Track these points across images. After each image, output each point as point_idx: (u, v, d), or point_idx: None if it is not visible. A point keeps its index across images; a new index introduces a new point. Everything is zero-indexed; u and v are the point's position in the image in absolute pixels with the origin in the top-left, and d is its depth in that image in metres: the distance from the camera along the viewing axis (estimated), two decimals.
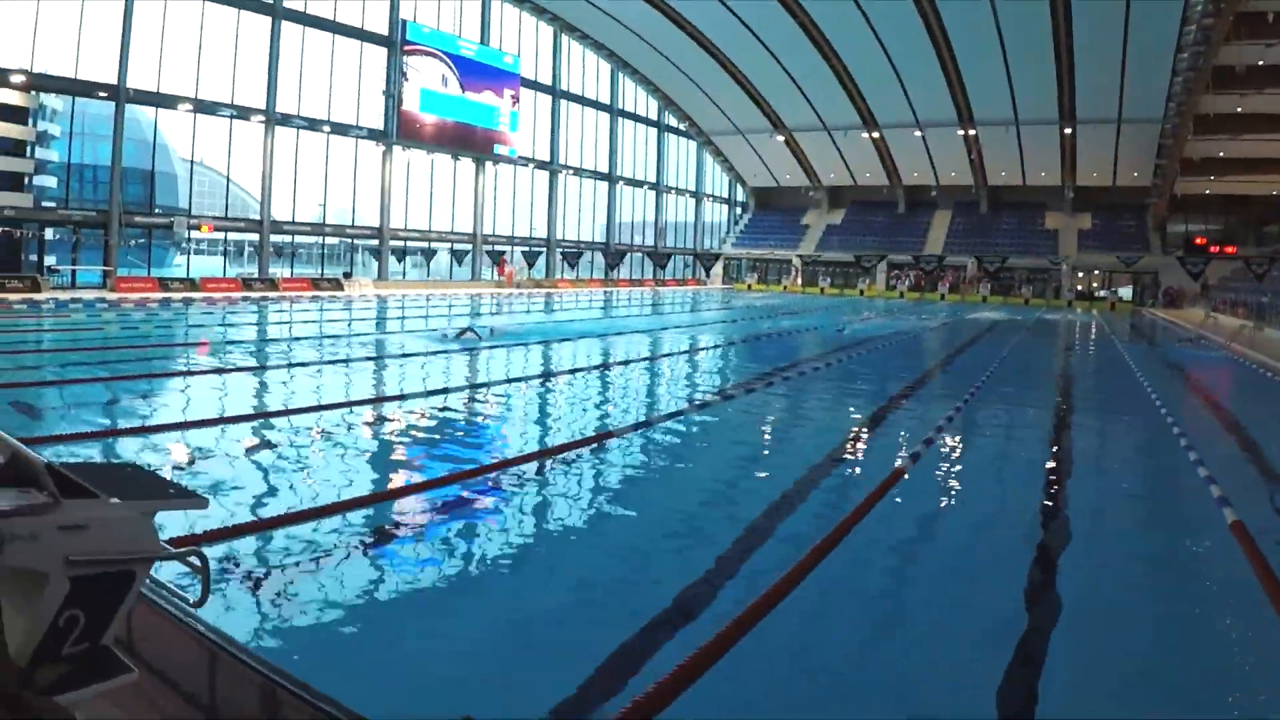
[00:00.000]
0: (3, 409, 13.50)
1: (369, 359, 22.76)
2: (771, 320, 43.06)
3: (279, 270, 52.40)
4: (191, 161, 49.81)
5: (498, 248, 66.41)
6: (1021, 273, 77.10)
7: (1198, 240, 69.92)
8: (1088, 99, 65.85)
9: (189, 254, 51.03)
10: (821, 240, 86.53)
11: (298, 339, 27.87)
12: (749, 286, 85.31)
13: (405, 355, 23.60)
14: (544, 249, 71.23)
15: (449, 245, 62.97)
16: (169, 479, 3.56)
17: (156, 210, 48.71)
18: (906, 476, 11.36)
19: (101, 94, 44.09)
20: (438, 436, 13.57)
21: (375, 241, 57.90)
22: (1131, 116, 65.15)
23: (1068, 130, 70.81)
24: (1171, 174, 63.51)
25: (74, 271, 45.24)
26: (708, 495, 10.66)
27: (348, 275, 54.39)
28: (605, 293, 67.06)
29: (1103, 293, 74.65)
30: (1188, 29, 46.99)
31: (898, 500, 10.36)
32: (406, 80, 56.96)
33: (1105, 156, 72.34)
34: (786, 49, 67.72)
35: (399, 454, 12.38)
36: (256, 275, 50.43)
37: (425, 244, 61.69)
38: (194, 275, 47.68)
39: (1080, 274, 75.98)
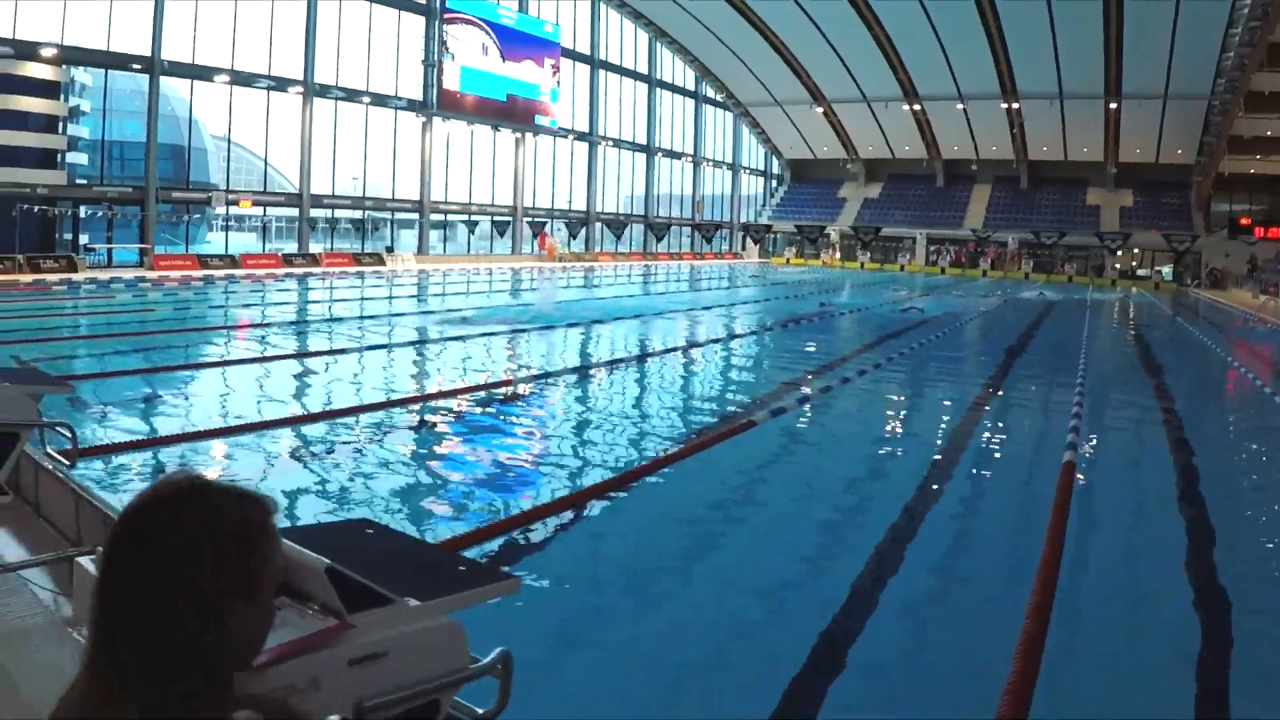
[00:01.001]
0: (60, 405, 11.34)
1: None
2: (828, 296, 40.87)
3: (316, 246, 50.26)
4: (229, 139, 47.68)
5: (538, 220, 64.30)
6: (1061, 250, 74.60)
7: (1242, 220, 66.86)
8: (1134, 73, 63.03)
9: (220, 230, 49.23)
10: (859, 214, 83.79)
11: (367, 318, 25.88)
12: (787, 260, 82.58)
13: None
14: (584, 221, 69.10)
15: (489, 218, 60.86)
16: (455, 553, 3.77)
17: (191, 186, 46.67)
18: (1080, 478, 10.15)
19: (135, 66, 42.00)
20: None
21: (415, 215, 55.66)
22: (1178, 92, 62.34)
23: (1113, 105, 67.96)
24: (1219, 152, 60.89)
25: (110, 250, 43.22)
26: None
27: (390, 250, 52.23)
28: (646, 267, 64.94)
29: (1142, 272, 72.41)
30: (1242, 3, 44.34)
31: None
32: (447, 49, 54.64)
33: (1149, 133, 69.51)
34: (828, 17, 64.92)
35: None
36: (296, 251, 48.30)
37: (466, 216, 59.55)
38: (232, 252, 45.70)
39: (1120, 253, 73.12)
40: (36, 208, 38.72)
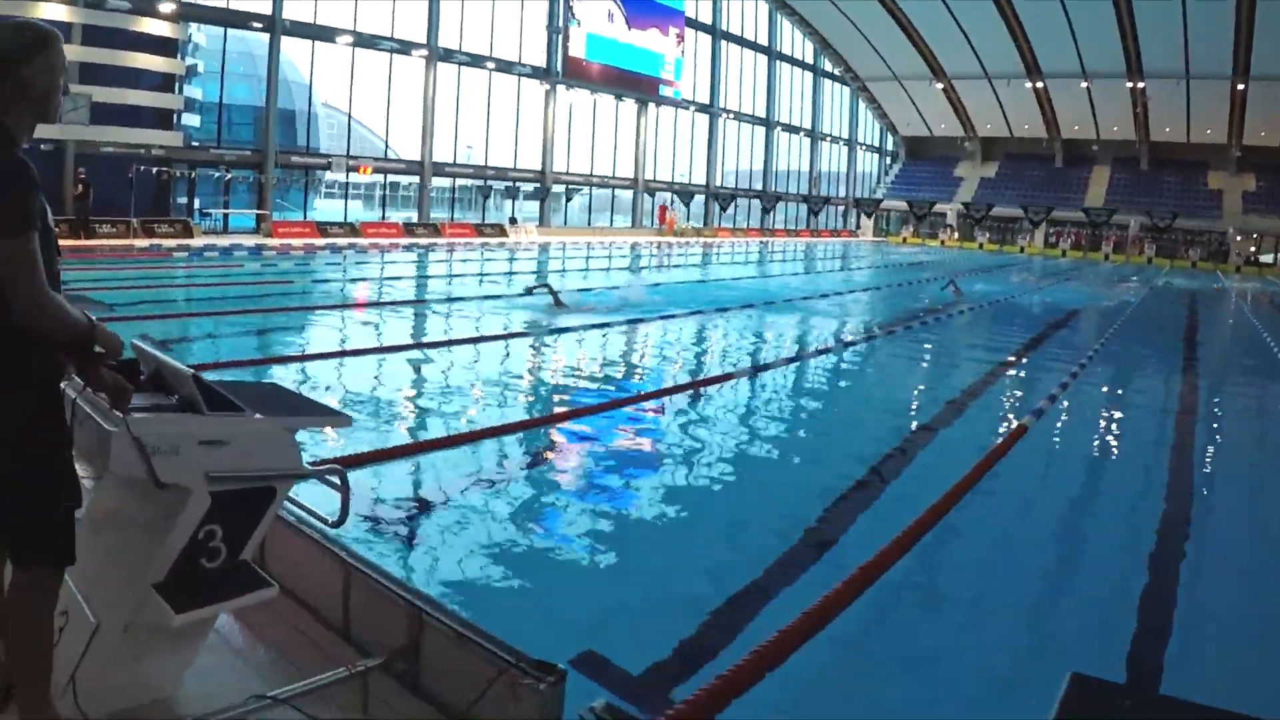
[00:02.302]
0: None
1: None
2: (986, 283, 36.85)
3: (436, 214, 47.49)
4: (350, 106, 44.73)
5: (658, 193, 61.34)
6: (1181, 235, 70.74)
7: None
8: (1264, 52, 58.85)
9: (325, 198, 47.32)
10: (977, 192, 79.65)
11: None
12: (904, 240, 78.63)
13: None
14: (704, 194, 65.99)
15: (610, 190, 57.90)
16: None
17: (311, 151, 43.92)
18: None
19: (256, 25, 39.37)
20: None
21: (536, 185, 52.49)
22: None
23: (1240, 86, 63.73)
24: None
25: (226, 216, 40.60)
26: None
27: (514, 221, 49.12)
28: (761, 244, 61.45)
29: (1266, 258, 68.47)
30: None
31: None
32: (573, 15, 51.69)
33: (1275, 115, 65.02)
34: None
35: None
36: (417, 220, 45.44)
37: (587, 188, 56.64)
38: (351, 220, 43.03)
39: (1239, 238, 69.14)
40: (153, 169, 36.17)
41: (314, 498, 4.22)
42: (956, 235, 77.69)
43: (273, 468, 3.16)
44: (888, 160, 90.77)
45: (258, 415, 3.12)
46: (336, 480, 3.28)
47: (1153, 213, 68.99)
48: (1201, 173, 73.41)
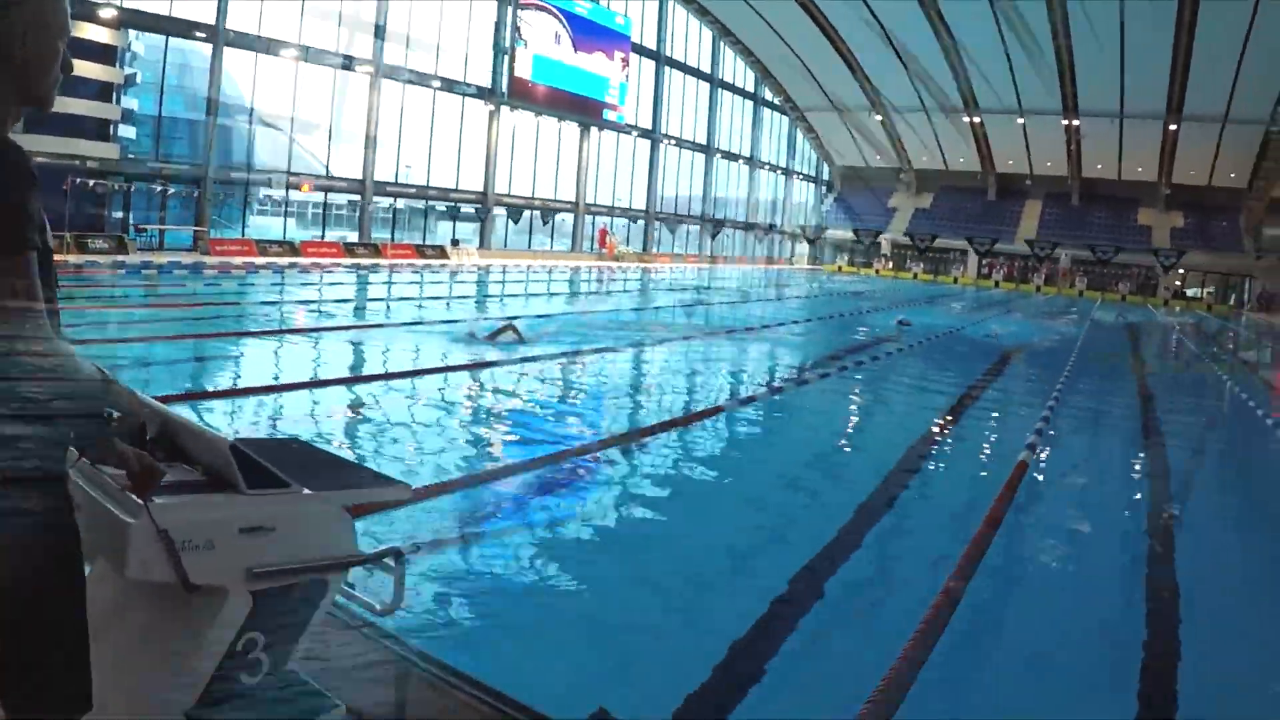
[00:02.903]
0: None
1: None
2: (925, 316, 36.74)
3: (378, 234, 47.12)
4: (291, 122, 44.22)
5: (598, 216, 61.47)
6: (1113, 268, 73.04)
7: None
8: (1197, 95, 61.22)
9: (258, 215, 46.19)
10: (911, 223, 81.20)
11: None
12: (839, 269, 79.59)
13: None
14: (643, 219, 66.22)
15: (552, 212, 57.81)
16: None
17: (255, 169, 43.35)
18: None
19: (199, 34, 38.71)
20: None
21: (478, 206, 52.22)
22: (1238, 116, 60.81)
23: (1172, 126, 66.19)
24: (1274, 176, 59.33)
25: (162, 232, 39.80)
26: None
27: (455, 243, 48.86)
28: (702, 270, 61.23)
29: (1191, 292, 71.84)
30: None
31: None
32: (520, 36, 51.63)
33: (1205, 155, 67.82)
34: (898, 21, 62.44)
35: None
36: (358, 240, 44.97)
37: (528, 210, 56.21)
38: (289, 238, 42.48)
39: (1166, 273, 71.51)
40: (89, 182, 35.34)
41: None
42: (891, 265, 78.59)
43: (326, 555, 2.68)
44: (823, 189, 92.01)
45: (307, 490, 2.62)
46: (391, 563, 2.87)
47: (1095, 247, 70.48)
48: (1132, 209, 75.75)
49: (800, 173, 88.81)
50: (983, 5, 57.31)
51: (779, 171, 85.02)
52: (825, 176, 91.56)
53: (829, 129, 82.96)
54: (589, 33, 56.34)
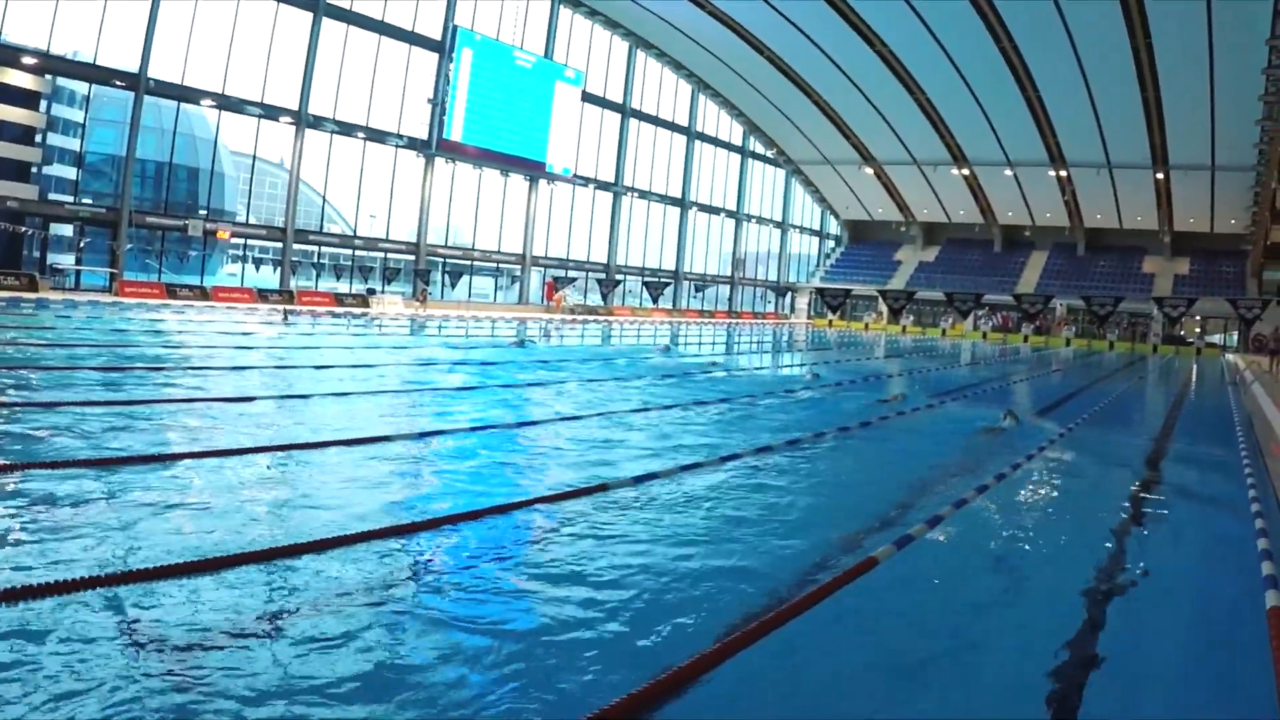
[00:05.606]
0: None
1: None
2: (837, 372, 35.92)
3: (304, 283, 49.20)
4: (254, 158, 47.27)
5: (551, 271, 62.58)
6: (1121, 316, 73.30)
7: None
8: (1179, 144, 62.68)
9: (237, 262, 48.36)
10: (913, 277, 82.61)
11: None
12: (829, 323, 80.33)
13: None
14: (604, 274, 66.80)
15: (494, 265, 59.24)
16: None
17: (203, 211, 45.88)
18: None
19: (118, 83, 41.44)
20: None
21: (411, 257, 54.07)
22: (1225, 164, 61.81)
23: (1159, 175, 67.69)
24: (1264, 221, 59.21)
25: (78, 272, 42.42)
26: None
27: (372, 292, 50.54)
28: (659, 324, 59.31)
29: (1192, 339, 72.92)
30: (1274, 75, 42.18)
31: None
32: (454, 90, 53.21)
33: (1202, 202, 69.46)
34: (870, 80, 63.92)
35: None
36: (278, 287, 47.15)
37: (468, 263, 57.66)
38: (211, 284, 44.63)
39: (1173, 325, 71.04)
40: (5, 225, 38.24)
41: None
42: (884, 319, 79.50)
43: None
44: (829, 243, 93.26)
45: None
46: None
47: (1090, 298, 70.44)
48: (1138, 257, 77.54)
49: (800, 226, 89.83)
50: (942, 59, 58.51)
51: (771, 225, 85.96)
52: (834, 230, 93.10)
53: (827, 182, 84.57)
54: (529, 86, 57.39)
